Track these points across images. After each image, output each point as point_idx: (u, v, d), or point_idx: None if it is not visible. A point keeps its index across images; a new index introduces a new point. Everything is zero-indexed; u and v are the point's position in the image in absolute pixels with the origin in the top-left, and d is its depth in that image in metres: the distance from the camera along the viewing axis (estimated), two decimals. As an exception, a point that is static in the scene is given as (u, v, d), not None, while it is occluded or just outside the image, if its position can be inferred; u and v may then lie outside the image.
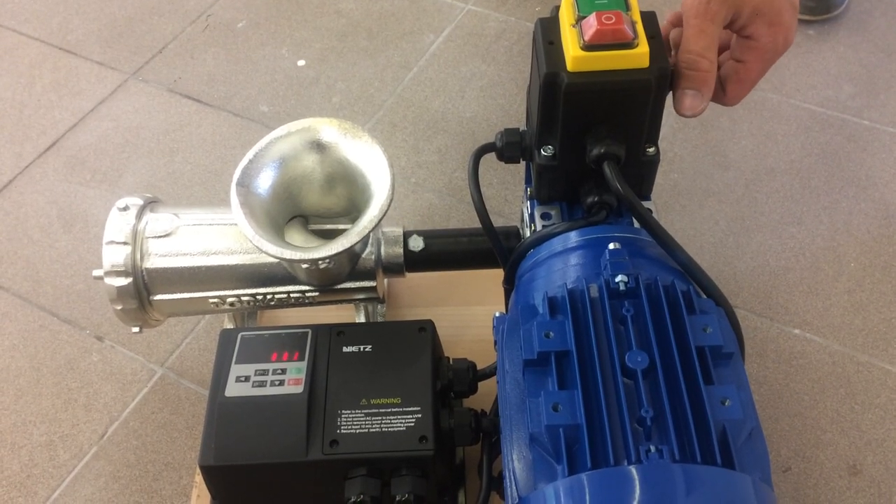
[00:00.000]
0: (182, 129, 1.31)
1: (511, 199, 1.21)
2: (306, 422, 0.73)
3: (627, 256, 0.67)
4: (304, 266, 0.80)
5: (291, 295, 0.86)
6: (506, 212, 1.19)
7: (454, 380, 0.79)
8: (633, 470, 0.55)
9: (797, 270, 1.10)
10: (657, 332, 0.63)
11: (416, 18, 1.48)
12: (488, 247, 0.87)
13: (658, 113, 0.72)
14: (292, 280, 0.86)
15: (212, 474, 0.73)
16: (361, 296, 0.88)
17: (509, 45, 1.42)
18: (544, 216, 0.78)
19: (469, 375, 0.80)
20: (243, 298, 0.86)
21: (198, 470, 0.87)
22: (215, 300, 0.86)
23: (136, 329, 0.88)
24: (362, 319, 0.93)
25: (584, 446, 0.58)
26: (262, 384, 0.75)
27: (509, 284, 0.80)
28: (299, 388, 0.74)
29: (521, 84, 1.35)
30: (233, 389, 0.75)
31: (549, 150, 0.74)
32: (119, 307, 0.85)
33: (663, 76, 0.69)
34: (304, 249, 0.77)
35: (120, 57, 1.44)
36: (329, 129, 0.84)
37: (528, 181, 0.87)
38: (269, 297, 0.86)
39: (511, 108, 1.32)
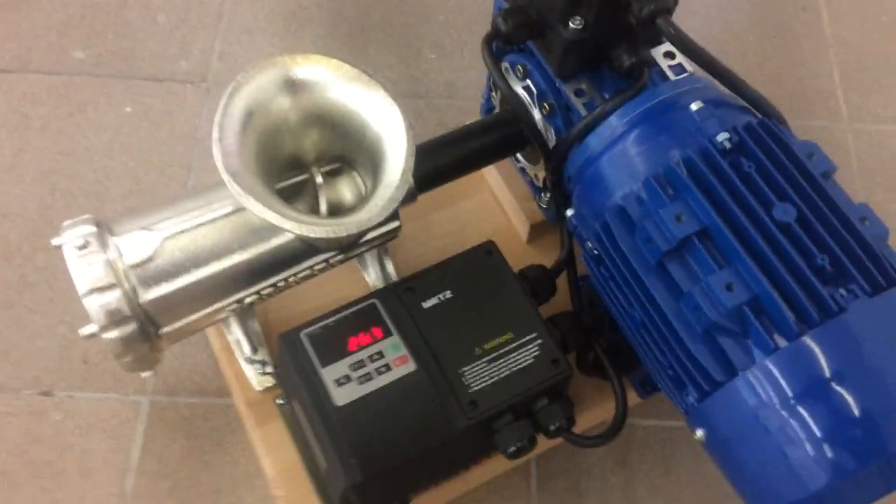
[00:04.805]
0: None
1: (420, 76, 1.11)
2: (435, 395, 0.66)
3: (715, 112, 0.65)
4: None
5: (315, 268, 0.75)
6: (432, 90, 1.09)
7: (536, 289, 0.74)
8: (849, 317, 0.56)
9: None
10: (786, 178, 0.62)
11: None
12: (492, 142, 0.80)
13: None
14: (314, 252, 0.74)
15: (364, 489, 0.65)
16: (381, 241, 0.79)
17: None
18: (578, 93, 0.72)
19: (546, 278, 0.75)
20: (264, 292, 0.74)
21: (275, 484, 0.77)
22: (233, 306, 0.73)
23: (147, 374, 0.73)
24: (373, 276, 0.83)
25: (779, 314, 0.58)
26: (367, 378, 0.66)
27: (557, 175, 0.75)
28: (411, 366, 0.67)
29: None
30: (341, 396, 0.65)
31: (577, 22, 0.67)
32: (128, 359, 0.69)
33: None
34: (353, 219, 0.66)
35: None
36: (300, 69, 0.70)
37: (502, 56, 0.79)
38: (290, 279, 0.74)
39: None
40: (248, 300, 0.73)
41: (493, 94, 0.87)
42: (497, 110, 0.87)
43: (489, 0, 0.78)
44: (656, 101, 0.68)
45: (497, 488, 0.85)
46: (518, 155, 0.86)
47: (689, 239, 0.61)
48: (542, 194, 0.85)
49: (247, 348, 0.81)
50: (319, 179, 0.73)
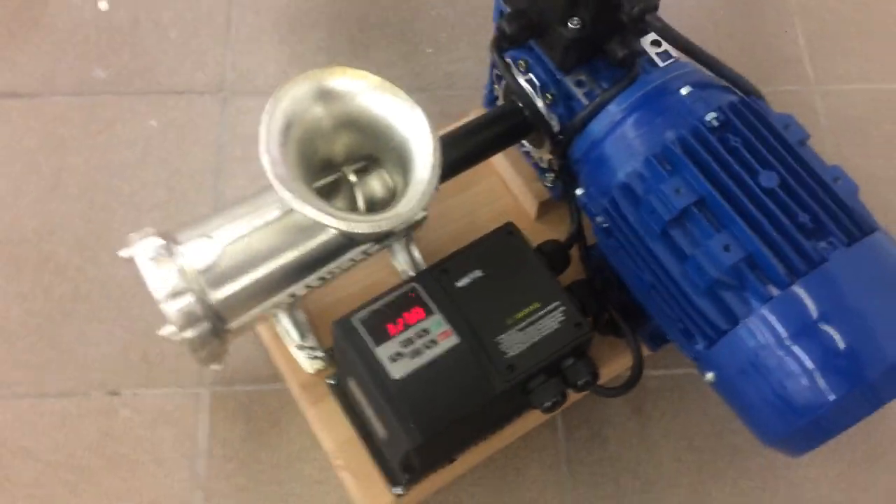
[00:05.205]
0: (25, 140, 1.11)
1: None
2: (478, 363, 0.75)
3: (702, 94, 0.74)
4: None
5: (355, 259, 0.84)
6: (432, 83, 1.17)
7: (554, 262, 0.83)
8: (831, 266, 0.66)
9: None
10: (768, 149, 0.71)
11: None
12: (501, 131, 0.89)
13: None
14: (354, 244, 0.83)
15: (423, 451, 0.74)
16: (410, 230, 0.87)
17: None
18: (578, 84, 0.81)
19: (561, 251, 0.85)
20: (313, 284, 0.82)
21: (334, 455, 0.86)
22: (288, 298, 0.81)
23: (217, 367, 0.82)
24: (402, 262, 0.92)
25: (771, 267, 0.67)
26: (417, 352, 0.75)
27: (563, 158, 0.83)
28: (454, 339, 0.76)
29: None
30: (396, 370, 0.74)
31: (576, 22, 0.76)
32: (203, 354, 0.78)
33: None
34: (393, 214, 0.75)
35: None
36: (336, 80, 0.78)
37: (505, 53, 0.88)
38: (335, 270, 0.83)
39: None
40: (299, 292, 0.82)
41: (496, 85, 0.95)
42: (500, 101, 0.95)
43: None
44: (650, 88, 0.77)
45: (529, 442, 0.94)
46: (523, 140, 0.94)
47: (688, 208, 0.71)
48: (547, 174, 0.94)
49: (296, 336, 0.89)
50: (353, 178, 0.81)
